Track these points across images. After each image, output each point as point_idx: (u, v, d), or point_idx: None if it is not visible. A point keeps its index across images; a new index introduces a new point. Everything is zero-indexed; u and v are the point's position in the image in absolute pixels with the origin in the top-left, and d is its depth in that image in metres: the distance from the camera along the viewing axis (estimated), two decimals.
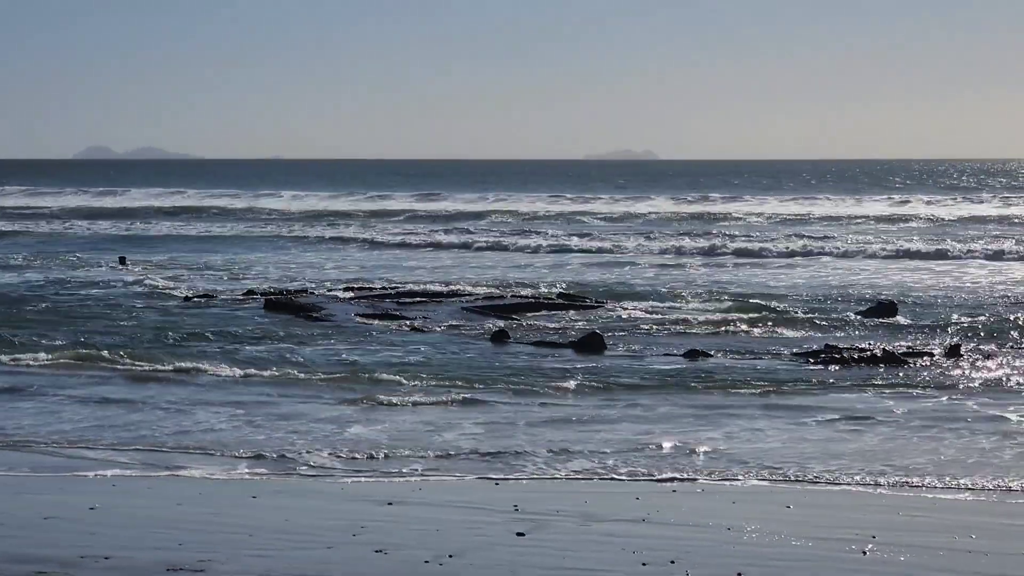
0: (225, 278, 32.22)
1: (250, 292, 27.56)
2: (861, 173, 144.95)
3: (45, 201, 72.99)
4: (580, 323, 23.05)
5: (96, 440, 13.62)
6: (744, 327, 22.30)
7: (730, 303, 25.90)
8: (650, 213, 60.16)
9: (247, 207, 66.30)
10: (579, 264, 37.22)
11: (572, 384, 16.89)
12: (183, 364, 18.31)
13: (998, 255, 38.52)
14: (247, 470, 12.18)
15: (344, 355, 19.34)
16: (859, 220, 55.19)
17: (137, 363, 18.51)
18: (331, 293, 27.52)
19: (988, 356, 19.02)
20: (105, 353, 19.03)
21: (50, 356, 18.97)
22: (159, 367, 18.22)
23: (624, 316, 23.99)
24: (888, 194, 78.88)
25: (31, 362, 18.70)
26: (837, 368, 18.12)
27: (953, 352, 19.19)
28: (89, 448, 13.26)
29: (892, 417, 14.67)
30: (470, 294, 27.04)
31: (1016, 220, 53.07)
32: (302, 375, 17.65)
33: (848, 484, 11.63)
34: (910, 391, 16.39)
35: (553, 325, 22.92)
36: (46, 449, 13.18)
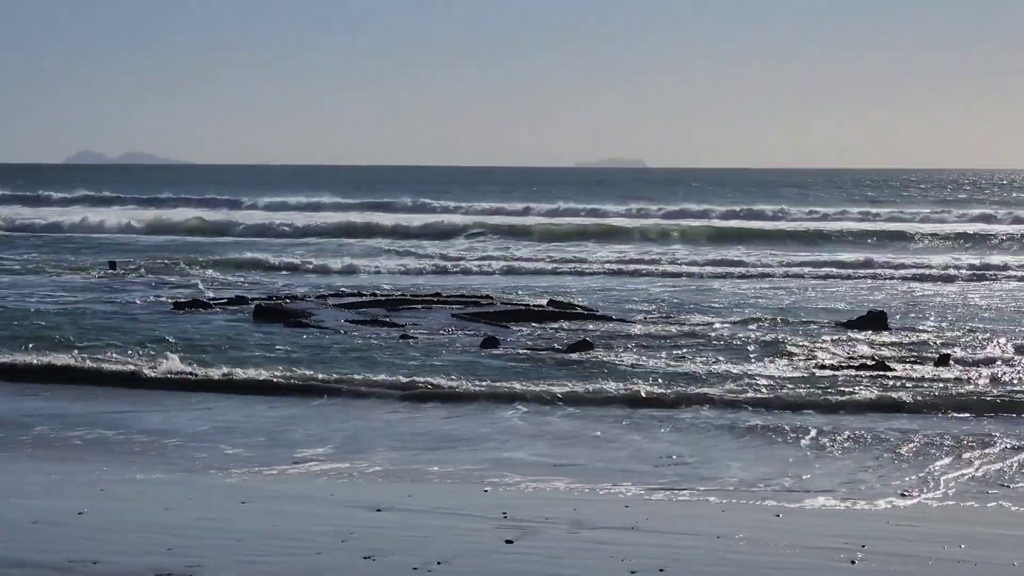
0: (216, 285, 32.16)
1: (240, 299, 27.46)
2: (850, 182, 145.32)
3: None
4: (568, 331, 23.06)
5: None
6: (735, 335, 22.31)
7: (717, 314, 25.97)
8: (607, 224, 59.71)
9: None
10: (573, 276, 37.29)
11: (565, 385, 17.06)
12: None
13: (987, 269, 38.49)
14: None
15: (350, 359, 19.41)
16: (845, 232, 54.74)
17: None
18: (320, 299, 27.47)
19: (977, 365, 19.06)
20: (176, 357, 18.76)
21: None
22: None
23: (613, 324, 24.01)
24: (875, 206, 78.84)
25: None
26: (826, 375, 18.13)
27: (943, 362, 19.26)
28: None
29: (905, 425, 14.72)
30: (460, 301, 27.06)
31: (1006, 235, 52.88)
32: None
33: (837, 493, 11.66)
34: (904, 396, 16.41)
35: (541, 332, 22.96)
36: None
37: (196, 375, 17.95)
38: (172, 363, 18.39)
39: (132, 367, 18.32)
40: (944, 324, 24.31)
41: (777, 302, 28.83)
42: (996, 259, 41.55)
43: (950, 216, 65.54)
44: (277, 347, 20.57)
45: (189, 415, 15.61)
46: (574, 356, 19.85)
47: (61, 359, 18.76)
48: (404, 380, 17.45)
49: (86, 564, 8.79)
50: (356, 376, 17.76)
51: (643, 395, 16.59)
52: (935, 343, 21.57)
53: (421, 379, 17.47)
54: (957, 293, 31.45)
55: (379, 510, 10.61)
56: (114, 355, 19.12)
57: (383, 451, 13.51)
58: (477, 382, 17.30)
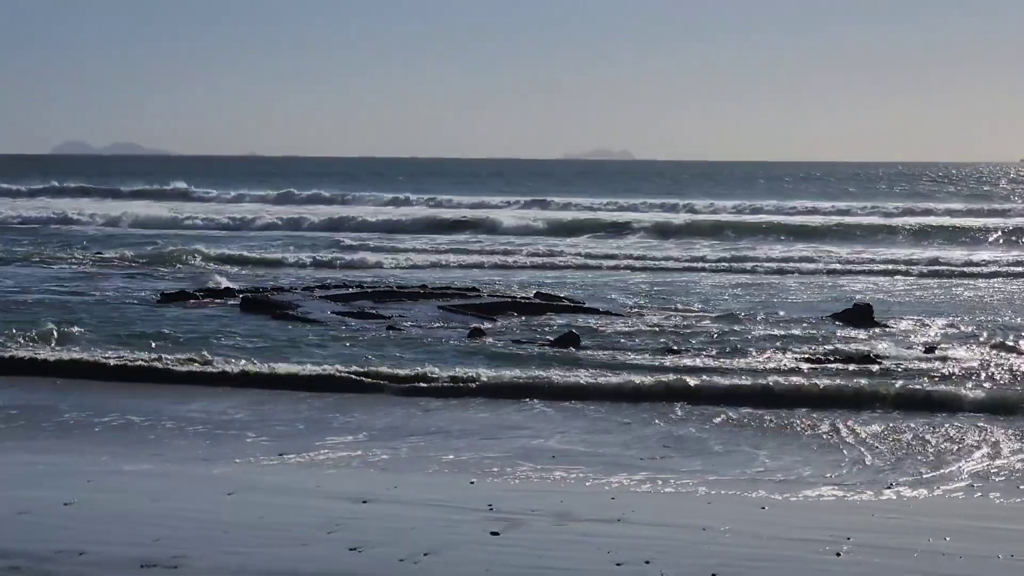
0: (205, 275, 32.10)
1: (227, 290, 27.41)
2: (833, 176, 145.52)
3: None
4: (557, 324, 23.08)
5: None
6: (720, 328, 22.33)
7: (702, 307, 26.00)
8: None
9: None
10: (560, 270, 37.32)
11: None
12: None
13: (967, 265, 38.47)
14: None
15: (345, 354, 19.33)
16: (828, 226, 54.36)
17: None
18: (306, 291, 27.42)
19: (963, 360, 19.11)
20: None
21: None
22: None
23: (600, 317, 24.06)
24: (858, 200, 78.97)
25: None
26: (814, 368, 18.17)
27: (929, 356, 19.36)
28: None
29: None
30: (446, 293, 27.03)
31: (987, 228, 52.84)
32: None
33: (823, 486, 11.69)
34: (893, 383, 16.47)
35: (529, 325, 22.97)
36: None
37: (260, 371, 17.67)
38: (200, 357, 18.40)
39: (158, 364, 18.20)
40: (929, 318, 24.33)
41: (759, 295, 28.87)
42: (978, 253, 41.68)
43: (931, 209, 65.69)
44: (278, 340, 20.59)
45: (226, 404, 15.68)
46: (566, 350, 19.83)
47: (121, 357, 18.54)
48: (445, 374, 17.45)
49: (72, 555, 8.78)
50: (387, 370, 17.77)
51: (640, 388, 16.63)
52: (921, 337, 21.62)
53: (460, 372, 17.55)
54: (939, 286, 31.52)
55: (365, 502, 10.61)
56: (141, 354, 18.96)
57: (414, 439, 13.70)
58: (489, 374, 17.35)
